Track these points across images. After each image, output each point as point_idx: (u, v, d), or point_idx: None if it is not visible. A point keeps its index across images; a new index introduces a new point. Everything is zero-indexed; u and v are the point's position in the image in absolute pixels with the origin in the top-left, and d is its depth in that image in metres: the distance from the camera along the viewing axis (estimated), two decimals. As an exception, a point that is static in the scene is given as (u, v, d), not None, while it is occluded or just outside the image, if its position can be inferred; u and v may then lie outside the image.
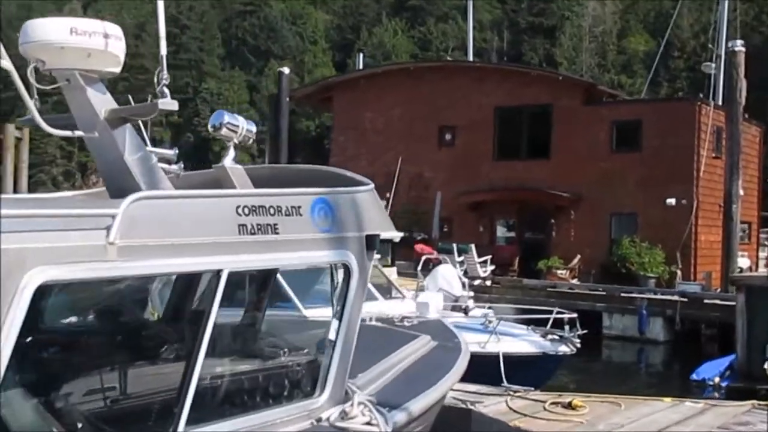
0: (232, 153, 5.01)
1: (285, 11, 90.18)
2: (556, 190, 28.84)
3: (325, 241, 4.79)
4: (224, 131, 4.92)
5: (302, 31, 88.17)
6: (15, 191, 17.42)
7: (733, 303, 16.47)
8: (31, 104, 4.17)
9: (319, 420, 4.75)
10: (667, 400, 10.49)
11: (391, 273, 21.07)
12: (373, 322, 8.95)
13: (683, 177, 27.29)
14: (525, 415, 9.34)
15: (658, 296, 23.46)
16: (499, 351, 11.43)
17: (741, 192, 23.32)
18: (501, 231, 31.35)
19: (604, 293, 24.04)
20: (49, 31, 4.18)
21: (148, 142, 5.03)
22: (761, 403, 10.21)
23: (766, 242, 36.26)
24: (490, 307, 18.42)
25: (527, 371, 11.68)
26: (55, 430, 3.88)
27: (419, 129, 31.72)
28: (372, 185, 5.26)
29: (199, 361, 4.07)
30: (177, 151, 5.38)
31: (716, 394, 15.14)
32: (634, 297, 23.25)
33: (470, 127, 30.96)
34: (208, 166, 5.49)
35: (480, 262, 26.56)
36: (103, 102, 4.46)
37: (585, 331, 12.68)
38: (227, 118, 4.96)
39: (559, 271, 27.05)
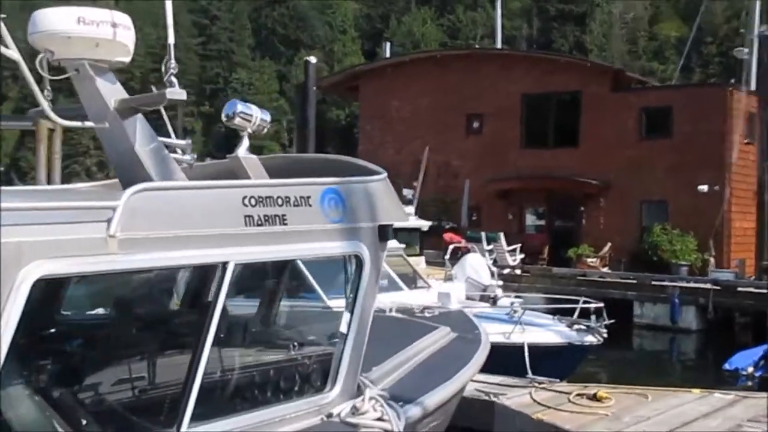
0: (246, 143, 4.95)
1: (314, 0, 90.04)
2: (584, 177, 28.57)
3: (336, 231, 4.71)
4: (238, 121, 4.85)
5: (331, 21, 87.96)
6: (48, 182, 17.56)
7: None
8: (40, 95, 4.14)
9: (329, 415, 4.68)
10: (696, 391, 10.27)
11: (420, 262, 21.02)
12: (393, 313, 8.89)
13: (715, 163, 26.85)
14: (549, 407, 9.19)
15: (691, 284, 23.12)
16: (524, 341, 11.26)
17: (774, 178, 22.87)
18: (530, 219, 31.15)
19: (635, 281, 23.74)
20: (55, 21, 4.16)
21: (172, 133, 4.97)
22: (795, 394, 9.96)
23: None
24: (518, 296, 18.33)
25: (552, 362, 11.49)
26: (58, 428, 3.83)
27: (447, 117, 31.59)
28: (385, 174, 5.16)
29: (205, 354, 4.01)
30: (190, 141, 5.32)
31: (750, 384, 14.86)
32: (666, 285, 22.95)
33: (498, 115, 30.77)
34: None
35: (509, 251, 26.39)
36: (113, 92, 4.43)
37: (612, 321, 12.45)
38: (240, 107, 4.89)
39: (589, 260, 26.77)
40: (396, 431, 4.74)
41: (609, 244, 27.37)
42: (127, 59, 4.42)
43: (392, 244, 14.47)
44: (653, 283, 23.35)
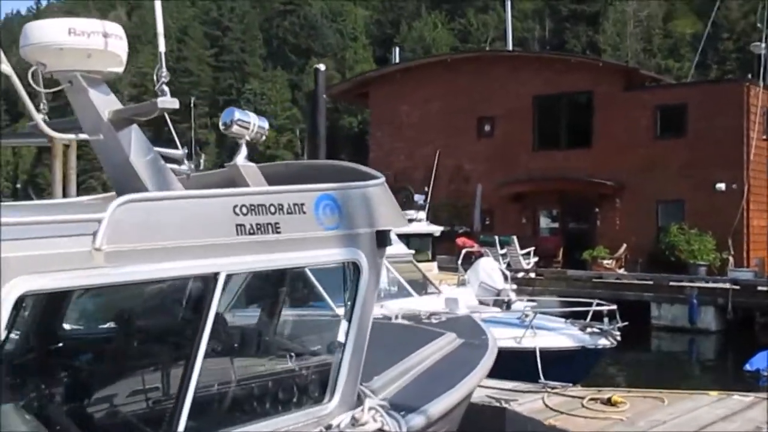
0: (244, 151, 4.85)
1: (324, 9, 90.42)
2: (598, 178, 28.27)
3: (332, 239, 4.57)
4: (235, 128, 4.75)
5: (342, 28, 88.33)
6: (64, 198, 17.62)
7: (788, 290, 15.84)
8: (33, 109, 4.11)
9: (329, 427, 4.54)
10: (714, 393, 10.01)
11: (432, 268, 20.87)
12: (399, 320, 8.71)
13: (732, 161, 26.44)
14: (561, 413, 8.99)
15: (709, 284, 22.81)
16: (536, 346, 11.05)
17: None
18: (544, 222, 30.89)
19: (651, 283, 23.44)
20: (46, 33, 4.09)
21: (177, 143, 4.90)
22: (816, 395, 9.68)
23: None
24: (532, 300, 18.10)
25: (565, 366, 11.27)
26: None
27: (457, 121, 31.44)
28: (383, 179, 5.01)
29: (197, 366, 3.90)
30: (186, 151, 5.25)
31: (771, 385, 14.54)
32: (684, 286, 22.64)
33: (509, 117, 30.59)
34: None
35: (523, 254, 26.19)
36: (106, 103, 4.35)
37: (626, 323, 12.19)
38: (238, 114, 4.79)
39: (605, 261, 26.45)
40: None
41: (624, 246, 27.04)
42: (120, 69, 4.34)
43: (402, 249, 14.40)
44: (671, 283, 23.05)
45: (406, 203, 25.41)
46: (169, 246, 3.77)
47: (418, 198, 25.67)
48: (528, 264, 26.28)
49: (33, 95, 4.22)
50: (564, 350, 11.83)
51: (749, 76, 30.15)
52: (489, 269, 17.14)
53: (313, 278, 6.98)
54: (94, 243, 3.44)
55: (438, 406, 5.33)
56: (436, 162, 31.02)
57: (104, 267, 3.49)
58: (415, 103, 32.53)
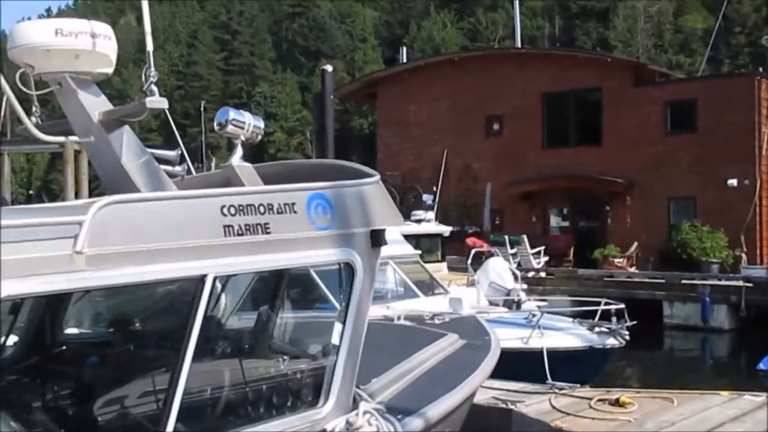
0: (239, 151, 4.82)
1: (333, 11, 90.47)
2: (608, 176, 27.98)
3: (324, 239, 4.48)
4: (230, 128, 4.70)
5: (351, 30, 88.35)
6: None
7: (802, 286, 15.60)
8: (22, 112, 4.09)
9: (323, 431, 4.46)
10: (725, 393, 9.82)
11: (442, 268, 20.76)
12: (401, 321, 8.58)
13: (744, 156, 26.10)
14: (568, 414, 8.87)
15: (722, 282, 22.55)
16: (543, 346, 10.90)
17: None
18: (554, 220, 30.67)
19: (663, 281, 23.19)
20: (33, 35, 4.08)
21: (181, 145, 4.83)
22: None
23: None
24: (543, 300, 17.93)
25: (573, 367, 11.11)
26: None
27: (466, 120, 31.27)
28: (378, 177, 4.93)
29: (185, 370, 3.83)
30: (180, 152, 5.19)
31: (786, 385, 14.31)
32: (696, 284, 22.40)
33: (517, 116, 30.39)
34: None
35: (533, 254, 26.01)
36: (96, 104, 4.32)
37: (634, 322, 12.00)
38: (232, 114, 4.74)
39: (615, 260, 26.19)
40: None
41: (635, 244, 26.76)
42: (110, 70, 4.31)
43: (408, 250, 14.28)
44: (683, 282, 22.81)
45: (414, 203, 25.33)
46: (154, 248, 3.70)
47: (427, 198, 25.52)
48: (538, 263, 26.09)
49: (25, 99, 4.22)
50: (572, 350, 11.66)
51: (760, 69, 29.84)
52: (499, 269, 16.98)
53: (318, 280, 6.90)
54: (75, 246, 3.38)
55: (437, 409, 5.22)
56: (444, 161, 30.84)
57: (86, 270, 3.43)
58: (423, 103, 32.39)
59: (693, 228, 25.85)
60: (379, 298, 12.48)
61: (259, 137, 4.89)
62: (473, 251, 21.48)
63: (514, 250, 25.46)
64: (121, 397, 4.27)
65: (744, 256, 25.08)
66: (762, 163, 26.34)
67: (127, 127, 4.34)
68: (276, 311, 5.30)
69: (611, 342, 11.94)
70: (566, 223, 30.43)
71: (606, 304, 12.40)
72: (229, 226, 3.98)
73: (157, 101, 4.12)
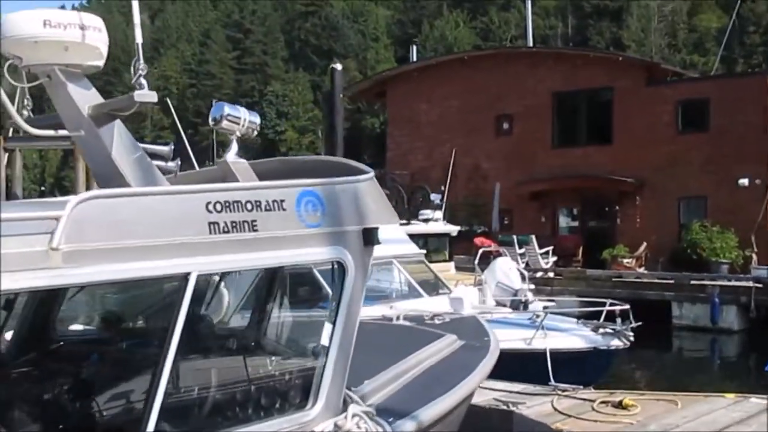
0: (234, 147, 4.72)
1: (346, 9, 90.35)
2: (618, 175, 27.84)
3: (314, 237, 4.40)
4: (225, 124, 4.63)
5: (364, 29, 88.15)
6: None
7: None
8: (10, 105, 4.03)
9: None
10: (730, 396, 9.71)
11: (449, 268, 20.68)
12: (400, 321, 8.50)
13: (756, 156, 25.83)
14: (570, 416, 8.78)
15: (732, 283, 22.37)
16: (546, 347, 10.80)
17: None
18: (564, 220, 30.53)
19: (672, 281, 23.02)
20: (21, 26, 4.00)
21: (186, 143, 4.79)
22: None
23: None
24: (552, 300, 17.83)
25: (576, 368, 11.01)
26: None
27: (475, 119, 31.18)
28: (372, 174, 4.84)
29: (166, 370, 3.75)
30: (173, 147, 5.13)
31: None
32: (705, 284, 22.23)
33: (527, 115, 30.28)
34: None
35: (541, 254, 25.86)
36: (86, 98, 4.25)
37: (639, 323, 11.87)
38: (227, 109, 4.66)
39: (625, 260, 26.01)
40: None
41: (645, 244, 26.58)
42: (101, 63, 4.24)
43: (413, 249, 14.21)
44: (692, 282, 22.64)
45: (422, 203, 25.24)
46: (135, 245, 3.62)
47: (435, 197, 25.42)
48: (547, 263, 25.95)
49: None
50: (575, 351, 11.56)
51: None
52: (506, 269, 16.90)
53: (321, 278, 6.85)
54: (51, 242, 3.30)
55: (430, 412, 5.13)
56: (452, 161, 30.73)
57: (62, 267, 3.35)
58: (434, 102, 32.29)
59: (703, 228, 25.67)
60: (383, 297, 12.45)
61: (255, 133, 4.81)
62: (481, 251, 21.39)
63: (522, 250, 25.36)
64: (117, 393, 4.24)
65: (754, 256, 24.83)
66: (774, 163, 26.13)
67: (118, 122, 4.29)
68: (269, 310, 5.24)
69: (615, 343, 11.83)
70: (575, 223, 30.33)
71: (611, 305, 12.27)
72: (214, 222, 3.90)
73: (146, 94, 4.06)
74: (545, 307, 14.53)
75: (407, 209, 25.07)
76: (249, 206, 4.06)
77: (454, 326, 8.05)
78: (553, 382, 10.33)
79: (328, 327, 4.53)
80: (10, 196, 11.01)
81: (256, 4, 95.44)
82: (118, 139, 4.26)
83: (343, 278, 4.53)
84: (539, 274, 24.32)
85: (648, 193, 27.78)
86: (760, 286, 21.31)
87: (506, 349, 10.49)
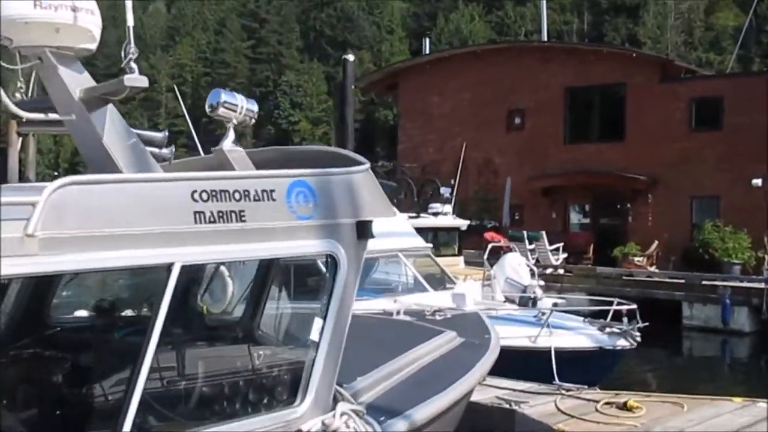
0: (231, 135, 4.65)
1: (361, 1, 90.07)
2: (631, 173, 27.61)
3: (305, 229, 4.27)
4: (221, 111, 4.54)
5: (379, 21, 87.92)
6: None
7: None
8: None
9: None
10: (738, 400, 9.51)
11: (458, 262, 20.53)
12: (400, 316, 8.37)
13: (770, 155, 25.55)
14: (573, 417, 8.61)
15: (743, 284, 22.07)
16: (551, 345, 10.62)
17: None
18: (575, 217, 30.36)
19: (683, 281, 22.75)
20: (11, 6, 3.92)
21: (193, 133, 4.70)
22: None
23: None
24: (563, 298, 17.63)
25: (582, 367, 10.83)
26: None
27: (487, 113, 31.00)
28: (367, 165, 4.72)
29: (146, 364, 3.64)
30: (167, 134, 5.05)
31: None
32: (717, 285, 21.94)
33: (540, 110, 30.08)
34: None
35: (551, 250, 25.64)
36: (78, 81, 4.16)
37: (646, 324, 11.67)
38: (224, 96, 4.57)
39: (636, 259, 25.78)
40: None
41: (656, 243, 26.34)
42: (93, 46, 4.14)
43: (419, 243, 14.06)
44: (703, 282, 22.35)
45: (432, 196, 25.06)
46: (115, 233, 3.52)
47: (444, 191, 25.23)
48: (557, 260, 25.73)
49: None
50: (580, 351, 11.36)
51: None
52: (515, 264, 16.69)
53: (325, 269, 6.71)
54: (26, 229, 3.22)
55: (423, 411, 4.98)
56: (462, 155, 30.56)
57: (38, 255, 3.26)
58: (446, 95, 32.11)
59: (716, 228, 25.40)
60: (388, 290, 12.32)
61: (253, 121, 4.73)
62: (490, 246, 21.22)
63: (532, 246, 25.13)
64: (111, 381, 4.15)
65: (767, 257, 24.55)
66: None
67: (110, 106, 4.20)
68: (260, 302, 5.14)
69: (622, 343, 11.61)
70: (587, 220, 30.14)
71: (619, 304, 12.07)
72: (200, 212, 3.80)
73: (136, 79, 3.97)
74: (555, 304, 14.36)
75: (417, 202, 24.91)
76: (237, 196, 3.95)
77: (455, 322, 7.91)
78: (557, 381, 10.16)
79: (318, 322, 4.42)
80: (22, 180, 10.97)
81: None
82: (110, 125, 4.18)
83: (335, 272, 4.42)
84: (549, 271, 24.12)
85: (660, 191, 27.55)
86: (772, 287, 21.02)
87: (511, 347, 10.39)
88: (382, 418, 4.62)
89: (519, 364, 10.05)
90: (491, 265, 17.06)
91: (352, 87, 27.50)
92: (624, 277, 23.88)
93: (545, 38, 38.40)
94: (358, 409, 4.51)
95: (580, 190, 29.16)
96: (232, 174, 4.24)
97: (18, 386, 4.01)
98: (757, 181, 25.48)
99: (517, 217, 30.03)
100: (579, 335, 11.64)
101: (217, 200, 3.86)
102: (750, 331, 21.21)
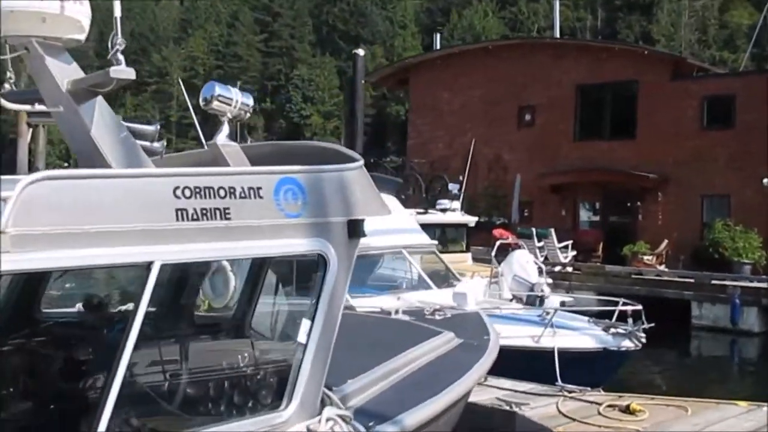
0: (225, 129, 4.58)
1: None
2: (641, 170, 27.36)
3: (294, 227, 4.16)
4: (216, 104, 4.47)
5: (392, 16, 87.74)
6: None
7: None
8: None
9: None
10: (743, 404, 9.35)
11: (466, 259, 20.41)
12: (398, 316, 8.26)
13: (783, 155, 25.27)
14: (574, 420, 8.49)
15: (753, 284, 21.85)
16: (554, 346, 10.48)
17: None
18: (585, 214, 30.17)
19: (693, 281, 22.53)
20: None
21: (198, 128, 4.63)
22: None
23: None
24: (571, 296, 17.48)
25: (585, 369, 10.67)
26: None
27: (498, 109, 30.87)
28: (361, 162, 4.60)
29: (122, 365, 3.54)
30: (159, 127, 4.95)
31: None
32: (726, 285, 21.73)
33: (551, 107, 29.91)
34: None
35: (560, 248, 25.46)
36: (66, 72, 4.07)
37: (652, 324, 11.50)
38: (218, 90, 4.49)
39: (645, 257, 25.57)
40: None
41: (666, 241, 26.13)
42: (82, 36, 4.06)
43: (424, 240, 13.94)
44: (713, 282, 22.13)
45: (440, 192, 24.95)
46: (91, 231, 3.42)
47: (453, 187, 25.11)
48: (566, 258, 25.56)
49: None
50: (584, 351, 11.19)
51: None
52: (523, 262, 16.55)
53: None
54: None
55: (414, 416, 4.86)
56: (471, 151, 30.39)
57: (10, 252, 3.16)
58: (457, 91, 31.95)
59: (726, 227, 25.15)
60: (391, 287, 12.21)
61: (248, 115, 4.64)
62: (498, 243, 21.09)
63: (541, 244, 24.98)
64: (99, 377, 4.04)
65: (778, 257, 24.36)
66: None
67: (100, 99, 4.12)
68: (249, 301, 5.05)
69: (626, 344, 11.44)
70: (597, 218, 29.95)
71: (625, 304, 11.91)
72: (182, 209, 3.70)
73: (122, 71, 3.89)
74: (562, 303, 14.21)
75: (425, 198, 24.80)
76: (222, 193, 3.84)
77: (455, 322, 7.80)
78: (560, 382, 10.02)
79: (306, 323, 4.31)
80: (32, 170, 10.92)
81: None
82: (98, 117, 4.11)
83: (324, 272, 4.31)
84: (557, 269, 23.96)
85: (671, 189, 27.33)
86: (783, 288, 20.83)
87: (513, 347, 10.28)
88: (371, 423, 4.51)
89: (521, 364, 9.93)
90: (499, 263, 16.94)
91: (363, 82, 27.43)
92: (633, 276, 23.67)
93: (558, 35, 38.15)
94: (345, 414, 4.40)
95: (590, 187, 28.98)
96: (217, 170, 4.12)
97: (7, 381, 3.97)
98: (768, 180, 25.27)
99: (526, 214, 29.88)
100: (583, 335, 11.48)
101: (201, 197, 3.75)
102: (759, 332, 21.00)
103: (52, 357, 4.39)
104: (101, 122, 4.10)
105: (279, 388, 4.25)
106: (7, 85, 4.27)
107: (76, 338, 4.62)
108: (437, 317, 8.15)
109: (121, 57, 3.89)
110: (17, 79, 4.39)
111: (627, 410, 8.70)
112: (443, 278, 13.39)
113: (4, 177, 4.84)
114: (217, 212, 3.80)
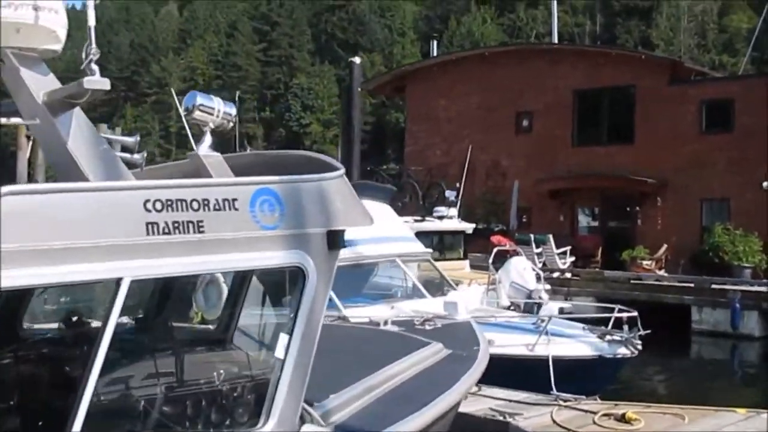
0: (208, 139, 4.46)
1: (373, 4, 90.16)
2: (640, 175, 27.24)
3: (271, 239, 4.02)
4: (197, 114, 4.39)
5: (391, 24, 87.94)
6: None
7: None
8: None
9: None
10: (741, 411, 9.23)
11: (463, 266, 20.26)
12: (387, 326, 8.13)
13: (782, 158, 25.15)
14: (569, 430, 8.33)
15: (754, 288, 21.73)
16: (549, 354, 10.35)
17: None
18: (584, 220, 30.07)
19: (692, 285, 22.40)
20: None
21: (191, 139, 4.62)
22: None
23: None
24: (571, 302, 17.36)
25: (581, 377, 10.53)
26: None
27: (495, 116, 30.78)
28: (342, 171, 4.47)
29: (90, 383, 3.41)
30: (138, 138, 4.84)
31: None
32: (727, 289, 21.60)
33: (548, 112, 29.82)
34: None
35: (559, 254, 25.34)
36: (42, 84, 3.98)
37: (648, 331, 11.37)
38: (200, 99, 4.41)
39: (644, 262, 25.44)
40: None
41: (665, 246, 26.01)
42: (58, 47, 3.97)
43: (419, 248, 13.81)
44: (713, 286, 22.00)
45: (437, 199, 24.86)
46: (57, 247, 3.28)
47: (450, 194, 24.99)
48: (564, 263, 25.44)
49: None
50: (579, 359, 11.05)
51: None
52: (521, 268, 16.41)
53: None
54: None
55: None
56: (468, 157, 30.29)
57: None
58: (453, 98, 31.88)
59: (726, 231, 25.03)
60: (385, 296, 12.06)
61: (231, 124, 4.55)
62: (496, 249, 20.98)
63: (539, 250, 24.87)
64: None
65: (778, 261, 24.22)
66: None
67: (77, 110, 4.02)
68: (236, 316, 4.94)
69: (622, 351, 11.30)
70: (595, 223, 29.84)
71: (621, 310, 11.77)
72: (153, 223, 3.55)
73: (96, 81, 3.78)
74: (560, 309, 14.08)
75: (422, 206, 24.70)
76: (195, 205, 3.70)
77: (444, 333, 7.68)
78: (555, 391, 9.89)
79: (284, 338, 4.18)
80: (31, 183, 10.83)
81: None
82: (76, 129, 4.01)
83: (303, 285, 4.16)
84: (556, 275, 23.85)
85: (670, 194, 27.21)
86: (783, 292, 20.69)
87: (507, 355, 10.16)
88: None
89: (516, 373, 9.81)
90: (497, 270, 16.82)
91: (359, 90, 27.35)
92: (632, 281, 23.57)
93: (556, 40, 38.07)
94: (324, 431, 4.32)
95: (588, 192, 28.91)
96: (191, 182, 3.98)
97: None
98: (768, 184, 25.18)
99: (524, 220, 29.77)
100: (578, 343, 11.34)
101: (173, 210, 3.63)
102: (760, 336, 20.87)
103: (35, 374, 4.31)
104: (78, 134, 4.01)
105: (257, 404, 4.13)
106: None
107: (59, 354, 4.54)
108: (427, 327, 8.02)
109: (95, 67, 3.80)
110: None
111: (622, 419, 8.59)
112: (438, 287, 13.24)
113: None
114: (190, 225, 3.67)
